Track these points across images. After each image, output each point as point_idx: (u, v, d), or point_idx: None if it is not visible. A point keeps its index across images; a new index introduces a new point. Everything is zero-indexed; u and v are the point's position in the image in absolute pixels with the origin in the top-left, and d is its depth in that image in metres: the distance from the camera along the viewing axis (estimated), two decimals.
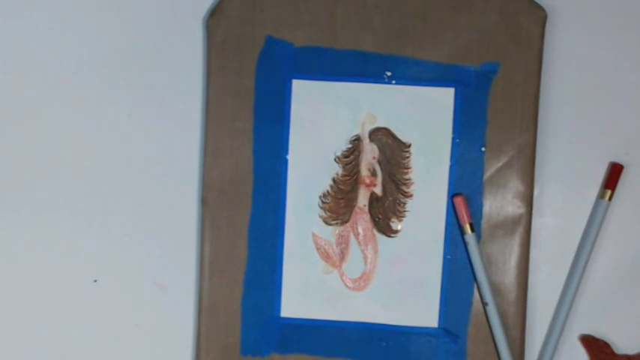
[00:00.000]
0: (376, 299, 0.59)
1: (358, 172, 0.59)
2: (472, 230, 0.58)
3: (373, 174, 0.59)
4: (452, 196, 0.58)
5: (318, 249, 0.60)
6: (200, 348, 0.60)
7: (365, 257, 0.59)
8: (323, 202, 0.59)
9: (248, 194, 0.59)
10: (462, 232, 0.58)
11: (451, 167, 0.59)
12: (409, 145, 0.59)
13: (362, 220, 0.59)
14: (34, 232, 0.61)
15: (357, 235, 0.59)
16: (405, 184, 0.59)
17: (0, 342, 0.61)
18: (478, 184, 0.59)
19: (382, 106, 0.59)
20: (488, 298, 0.58)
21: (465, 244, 0.58)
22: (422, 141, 0.59)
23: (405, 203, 0.59)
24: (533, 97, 0.58)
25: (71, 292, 0.61)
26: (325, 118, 0.59)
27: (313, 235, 0.59)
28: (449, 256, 0.59)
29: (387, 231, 0.59)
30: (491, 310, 0.58)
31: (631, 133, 0.60)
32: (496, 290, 0.59)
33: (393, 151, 0.59)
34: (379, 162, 0.59)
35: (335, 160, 0.59)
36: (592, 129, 0.60)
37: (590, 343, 0.59)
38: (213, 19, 0.59)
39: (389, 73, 0.59)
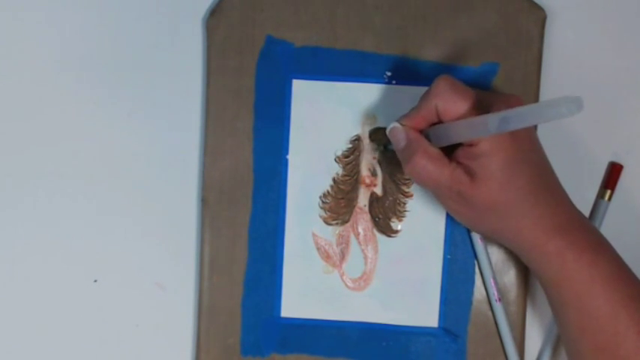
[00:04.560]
0: (376, 299, 0.59)
1: (358, 172, 0.59)
2: None
3: (373, 174, 0.59)
4: None
5: (318, 249, 0.60)
6: (200, 348, 0.60)
7: (365, 257, 0.59)
8: (323, 202, 0.59)
9: (248, 194, 0.59)
10: (469, 230, 0.58)
11: None
12: None
13: (362, 220, 0.59)
14: (34, 232, 0.61)
15: (357, 235, 0.59)
16: (405, 184, 0.59)
17: (0, 342, 0.61)
18: None
19: (382, 106, 0.59)
20: (496, 295, 0.58)
21: (472, 242, 0.59)
22: None
23: (405, 203, 0.59)
24: (532, 98, 0.58)
25: (71, 292, 0.61)
26: (325, 118, 0.59)
27: (313, 235, 0.59)
28: (449, 256, 0.59)
29: (387, 231, 0.59)
30: (498, 308, 0.58)
31: (631, 133, 0.60)
32: None
33: (393, 151, 0.59)
34: (379, 162, 0.59)
35: (335, 160, 0.59)
36: (592, 129, 0.60)
37: None
38: (213, 19, 0.59)
39: (389, 73, 0.59)
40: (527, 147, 0.51)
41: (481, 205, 0.51)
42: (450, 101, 0.51)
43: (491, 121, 0.47)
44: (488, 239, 0.58)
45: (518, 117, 0.45)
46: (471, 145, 0.50)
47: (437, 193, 0.53)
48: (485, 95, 0.52)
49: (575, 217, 0.52)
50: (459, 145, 0.52)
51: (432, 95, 0.52)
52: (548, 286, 0.53)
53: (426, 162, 0.52)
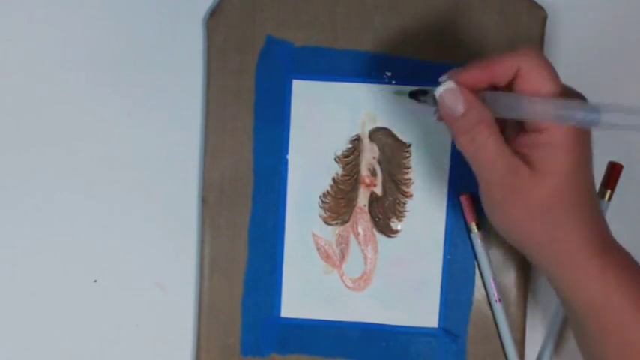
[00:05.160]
0: (376, 299, 0.59)
1: (358, 172, 0.59)
2: (479, 229, 0.58)
3: (373, 174, 0.59)
4: (459, 194, 0.58)
5: (318, 249, 0.60)
6: (200, 348, 0.60)
7: (365, 257, 0.60)
8: (323, 202, 0.59)
9: (248, 194, 0.59)
10: (469, 231, 0.58)
11: (451, 167, 0.59)
12: (409, 145, 0.59)
13: (362, 220, 0.59)
14: (34, 232, 0.61)
15: (357, 235, 0.59)
16: (405, 184, 0.59)
17: (0, 342, 0.61)
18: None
19: (382, 106, 0.59)
20: (496, 295, 0.58)
21: (472, 243, 0.59)
22: (422, 141, 0.59)
23: (405, 203, 0.59)
24: None
25: (71, 292, 0.61)
26: (325, 118, 0.59)
27: (313, 235, 0.59)
28: (449, 256, 0.59)
29: (387, 231, 0.59)
30: (498, 308, 0.58)
31: (631, 133, 0.60)
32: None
33: (393, 151, 0.59)
34: (379, 162, 0.59)
35: (335, 160, 0.59)
36: (592, 129, 0.60)
37: None
38: (213, 19, 0.59)
39: (389, 73, 0.59)
40: (589, 153, 0.45)
41: (536, 203, 0.44)
42: (536, 72, 0.43)
43: (589, 110, 0.40)
44: (518, 247, 0.50)
45: (624, 116, 0.40)
46: (535, 131, 0.43)
47: (485, 179, 0.45)
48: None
49: (610, 235, 0.47)
50: (510, 130, 0.44)
51: (517, 55, 0.44)
52: (582, 312, 0.46)
53: (488, 138, 0.43)
